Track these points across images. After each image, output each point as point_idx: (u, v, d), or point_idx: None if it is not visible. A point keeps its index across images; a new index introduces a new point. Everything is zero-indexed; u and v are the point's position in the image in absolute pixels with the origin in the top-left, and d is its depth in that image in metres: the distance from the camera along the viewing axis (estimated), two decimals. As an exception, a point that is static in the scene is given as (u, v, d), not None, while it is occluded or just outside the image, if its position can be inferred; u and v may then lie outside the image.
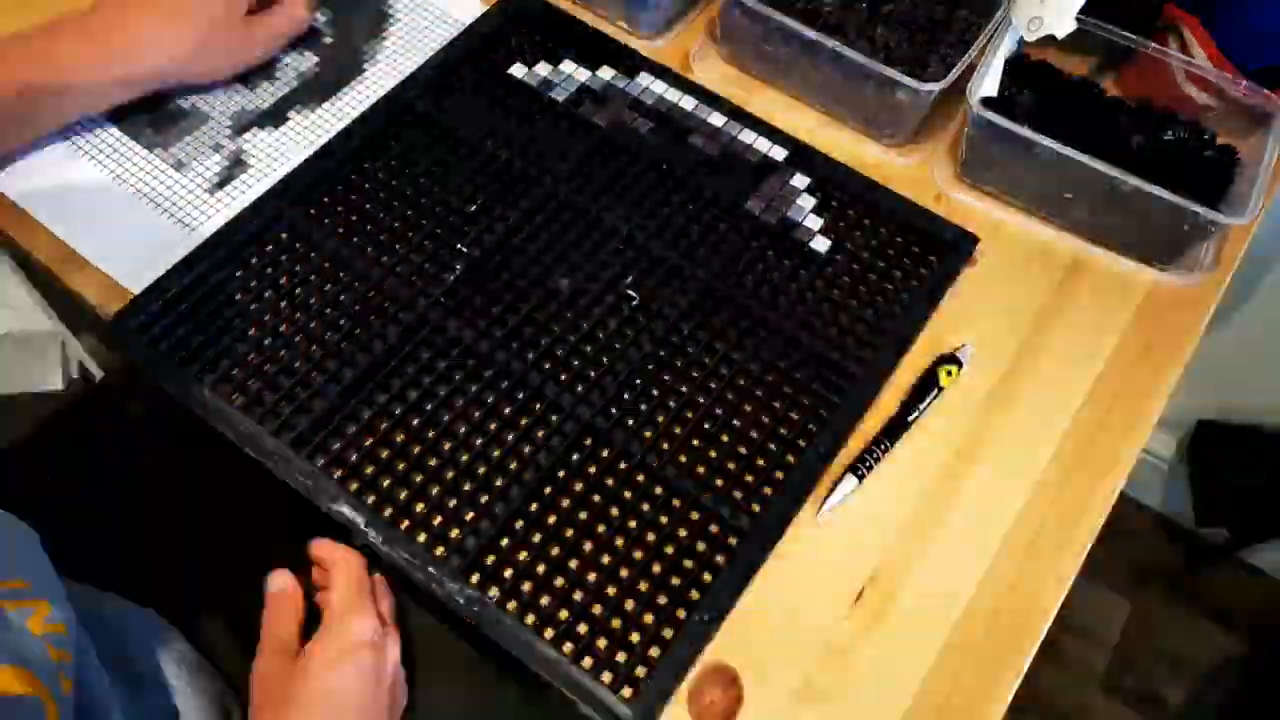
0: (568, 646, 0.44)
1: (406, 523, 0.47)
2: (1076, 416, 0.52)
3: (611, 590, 0.46)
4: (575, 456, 0.49)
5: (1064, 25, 0.57)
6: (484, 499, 0.48)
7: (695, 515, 0.48)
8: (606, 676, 0.44)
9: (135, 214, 0.56)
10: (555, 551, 0.47)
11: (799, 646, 0.46)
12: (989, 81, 0.57)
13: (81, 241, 0.55)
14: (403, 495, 0.48)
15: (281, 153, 0.59)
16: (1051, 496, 0.50)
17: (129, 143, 0.59)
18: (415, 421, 0.50)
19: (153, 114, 0.60)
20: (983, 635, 0.46)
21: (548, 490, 0.48)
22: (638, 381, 0.51)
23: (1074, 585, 0.48)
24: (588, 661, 0.44)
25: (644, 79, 0.62)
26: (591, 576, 0.46)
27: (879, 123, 0.60)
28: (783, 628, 0.46)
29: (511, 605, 0.45)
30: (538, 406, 0.50)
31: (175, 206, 0.57)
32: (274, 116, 0.61)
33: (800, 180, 0.59)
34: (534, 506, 0.48)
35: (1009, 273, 0.57)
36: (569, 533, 0.47)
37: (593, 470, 0.49)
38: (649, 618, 0.45)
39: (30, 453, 0.66)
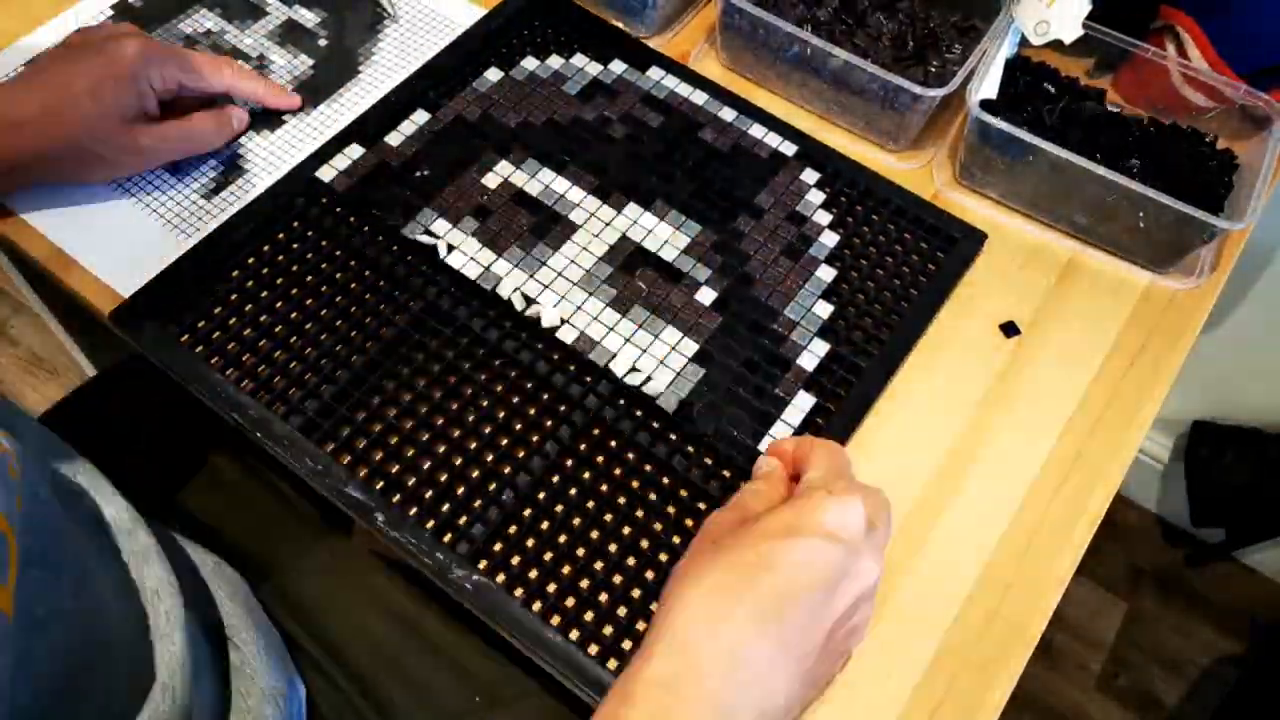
0: (574, 633, 0.45)
1: (414, 509, 0.47)
2: (1072, 417, 0.53)
3: (618, 578, 0.46)
4: (583, 445, 0.50)
5: (1072, 30, 0.57)
6: (492, 486, 0.48)
7: (703, 505, 0.48)
8: (612, 663, 0.44)
9: (131, 220, 0.56)
10: (562, 539, 0.47)
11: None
12: (989, 84, 0.58)
13: (77, 248, 0.55)
14: (411, 482, 0.48)
15: (278, 156, 0.59)
16: (1048, 497, 0.50)
17: None
18: (424, 409, 0.50)
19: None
20: (979, 635, 0.47)
21: (555, 478, 0.49)
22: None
23: (1070, 585, 0.48)
24: (594, 649, 0.44)
25: (655, 73, 0.63)
26: (598, 565, 0.47)
27: (881, 128, 0.61)
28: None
29: (518, 592, 0.45)
30: (546, 395, 0.51)
31: (171, 213, 0.56)
32: (269, 119, 0.61)
33: (810, 175, 0.60)
34: (541, 494, 0.48)
35: (1006, 274, 0.58)
36: (576, 521, 0.48)
37: (600, 459, 0.49)
38: (655, 606, 0.46)
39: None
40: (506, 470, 0.49)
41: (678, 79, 0.63)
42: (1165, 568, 1.28)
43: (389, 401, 0.50)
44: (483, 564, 0.46)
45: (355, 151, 0.59)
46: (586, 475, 0.49)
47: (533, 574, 0.46)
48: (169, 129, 0.55)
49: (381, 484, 0.48)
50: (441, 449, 0.49)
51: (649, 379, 0.52)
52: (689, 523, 0.48)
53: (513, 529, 0.47)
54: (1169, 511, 1.29)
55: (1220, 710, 1.18)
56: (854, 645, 0.41)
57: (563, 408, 0.51)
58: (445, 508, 0.48)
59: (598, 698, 0.43)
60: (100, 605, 0.39)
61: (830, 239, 0.57)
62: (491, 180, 0.58)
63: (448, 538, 0.47)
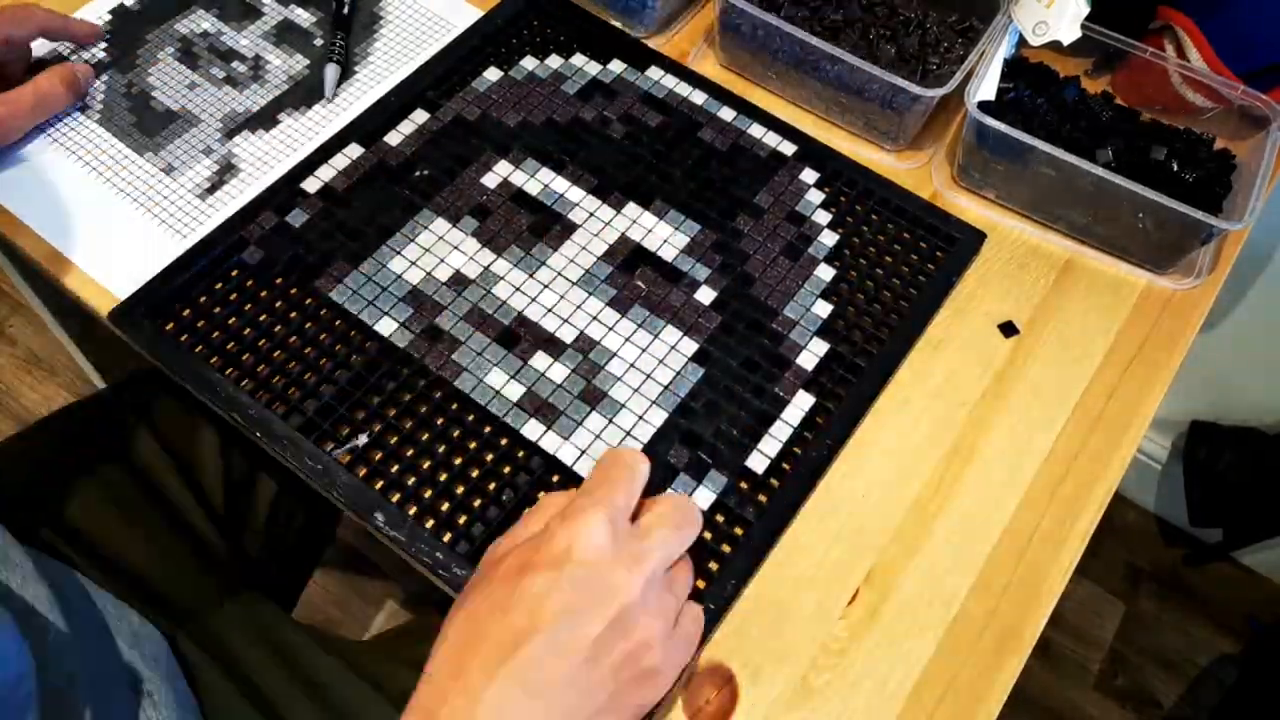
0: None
1: (414, 508, 0.47)
2: (1071, 417, 0.53)
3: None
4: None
5: (1070, 31, 0.57)
6: (491, 486, 0.48)
7: (702, 505, 0.49)
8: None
9: (127, 220, 0.56)
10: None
11: (795, 646, 0.46)
12: (987, 85, 0.58)
13: (73, 248, 0.54)
14: (410, 481, 0.48)
15: (273, 157, 0.59)
16: (1046, 497, 0.50)
17: (118, 145, 0.58)
18: (423, 409, 0.50)
19: (140, 117, 0.60)
20: (977, 635, 0.47)
21: (555, 478, 0.49)
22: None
23: (1069, 585, 0.48)
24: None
25: (654, 73, 0.63)
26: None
27: (880, 128, 0.61)
28: (778, 628, 0.46)
29: (518, 591, 0.46)
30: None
31: (166, 213, 0.56)
32: (264, 119, 0.60)
33: (809, 175, 0.60)
34: (541, 494, 0.48)
35: (1004, 274, 0.58)
36: (575, 520, 0.48)
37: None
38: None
39: (36, 458, 0.64)
40: (506, 470, 0.49)
41: (677, 79, 0.63)
42: (1164, 568, 1.28)
43: (388, 401, 0.50)
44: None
45: (354, 151, 0.59)
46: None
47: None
48: (21, 94, 0.54)
49: (381, 484, 0.48)
50: (441, 448, 0.49)
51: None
52: (688, 522, 0.48)
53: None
54: (1167, 511, 1.29)
55: (1218, 710, 1.18)
56: (652, 665, 0.37)
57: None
58: (445, 507, 0.48)
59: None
60: None
61: (829, 238, 0.57)
62: (491, 180, 0.58)
63: (447, 537, 0.47)
